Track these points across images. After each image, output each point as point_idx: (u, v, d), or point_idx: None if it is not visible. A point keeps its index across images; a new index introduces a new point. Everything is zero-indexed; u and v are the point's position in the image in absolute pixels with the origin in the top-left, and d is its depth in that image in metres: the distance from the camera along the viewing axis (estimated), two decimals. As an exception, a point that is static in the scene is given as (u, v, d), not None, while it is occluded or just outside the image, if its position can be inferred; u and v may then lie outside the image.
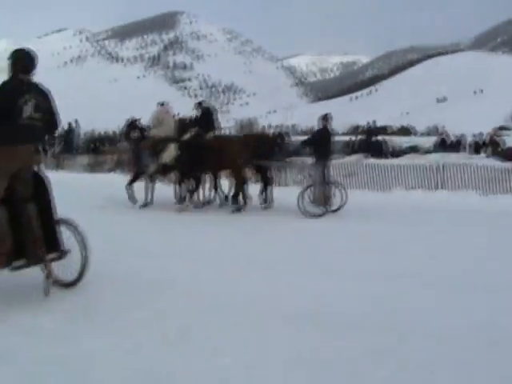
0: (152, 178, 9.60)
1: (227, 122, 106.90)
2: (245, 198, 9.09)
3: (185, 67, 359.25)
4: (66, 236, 4.12)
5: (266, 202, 9.27)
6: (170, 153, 9.09)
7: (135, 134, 9.74)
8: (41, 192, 4.09)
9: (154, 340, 3.06)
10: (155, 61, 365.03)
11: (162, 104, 9.73)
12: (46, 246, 3.93)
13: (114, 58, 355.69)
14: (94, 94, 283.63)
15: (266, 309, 3.62)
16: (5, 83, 3.77)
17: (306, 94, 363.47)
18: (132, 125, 9.94)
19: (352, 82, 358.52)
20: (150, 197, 9.49)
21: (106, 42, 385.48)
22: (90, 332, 3.18)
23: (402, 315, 3.48)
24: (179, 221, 8.13)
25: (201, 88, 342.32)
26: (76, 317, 3.45)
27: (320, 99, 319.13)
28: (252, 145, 9.21)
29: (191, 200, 9.21)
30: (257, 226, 7.60)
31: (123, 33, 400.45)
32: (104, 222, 7.12)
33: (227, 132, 29.28)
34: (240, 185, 9.08)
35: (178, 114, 16.45)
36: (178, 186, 9.54)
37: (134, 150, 9.81)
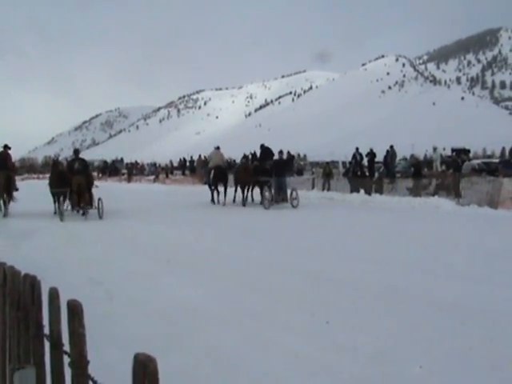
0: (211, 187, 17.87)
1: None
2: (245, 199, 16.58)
3: (507, 86, 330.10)
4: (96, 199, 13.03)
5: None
6: (211, 174, 17.22)
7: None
8: (89, 187, 13.22)
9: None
10: (474, 81, 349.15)
11: (217, 148, 17.76)
12: (88, 204, 13.06)
13: (433, 82, 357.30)
14: (413, 118, 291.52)
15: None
16: (70, 160, 13.22)
17: None
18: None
19: None
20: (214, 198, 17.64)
21: (425, 65, 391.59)
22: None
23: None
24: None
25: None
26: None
27: None
28: (250, 170, 16.42)
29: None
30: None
31: (441, 55, 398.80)
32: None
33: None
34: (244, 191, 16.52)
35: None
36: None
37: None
